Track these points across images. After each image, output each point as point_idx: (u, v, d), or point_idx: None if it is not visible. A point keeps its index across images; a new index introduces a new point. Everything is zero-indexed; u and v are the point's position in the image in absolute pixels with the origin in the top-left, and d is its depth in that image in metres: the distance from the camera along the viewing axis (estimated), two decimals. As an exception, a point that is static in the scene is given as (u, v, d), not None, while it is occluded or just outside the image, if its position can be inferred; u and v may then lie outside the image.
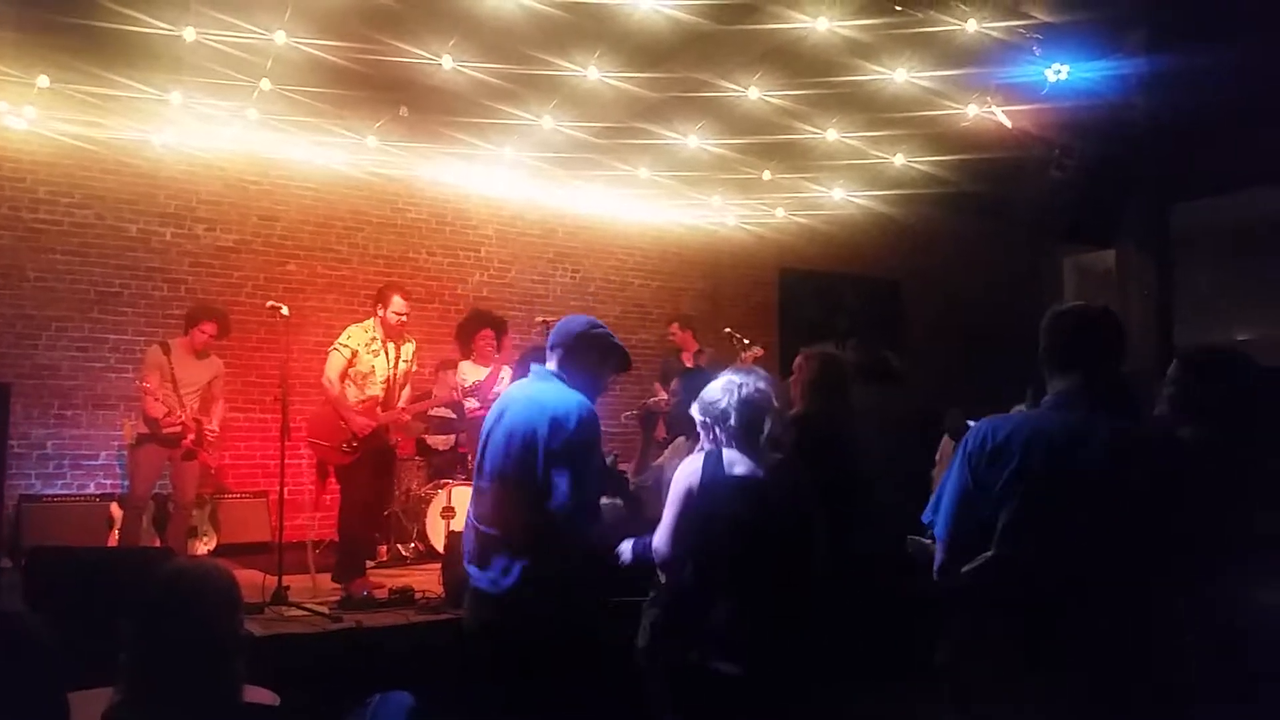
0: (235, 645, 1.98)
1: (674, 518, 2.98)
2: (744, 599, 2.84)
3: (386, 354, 6.00)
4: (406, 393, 6.25)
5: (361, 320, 6.19)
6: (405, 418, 6.10)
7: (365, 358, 5.95)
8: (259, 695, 2.46)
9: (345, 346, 5.95)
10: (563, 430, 3.04)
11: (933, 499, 2.55)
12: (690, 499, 2.93)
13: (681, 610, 2.93)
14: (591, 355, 3.27)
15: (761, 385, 2.99)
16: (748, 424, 2.93)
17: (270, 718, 2.22)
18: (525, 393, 3.28)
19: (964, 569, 1.96)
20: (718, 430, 2.98)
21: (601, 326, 3.34)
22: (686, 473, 2.99)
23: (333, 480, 6.40)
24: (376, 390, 5.95)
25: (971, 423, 4.09)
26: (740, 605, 2.83)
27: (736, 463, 2.94)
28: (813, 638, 2.82)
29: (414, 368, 6.19)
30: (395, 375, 6.02)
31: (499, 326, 7.56)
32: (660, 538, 3.02)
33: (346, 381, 5.93)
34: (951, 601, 2.02)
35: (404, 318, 6.01)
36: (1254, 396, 2.91)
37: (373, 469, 6.02)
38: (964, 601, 1.93)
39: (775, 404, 2.98)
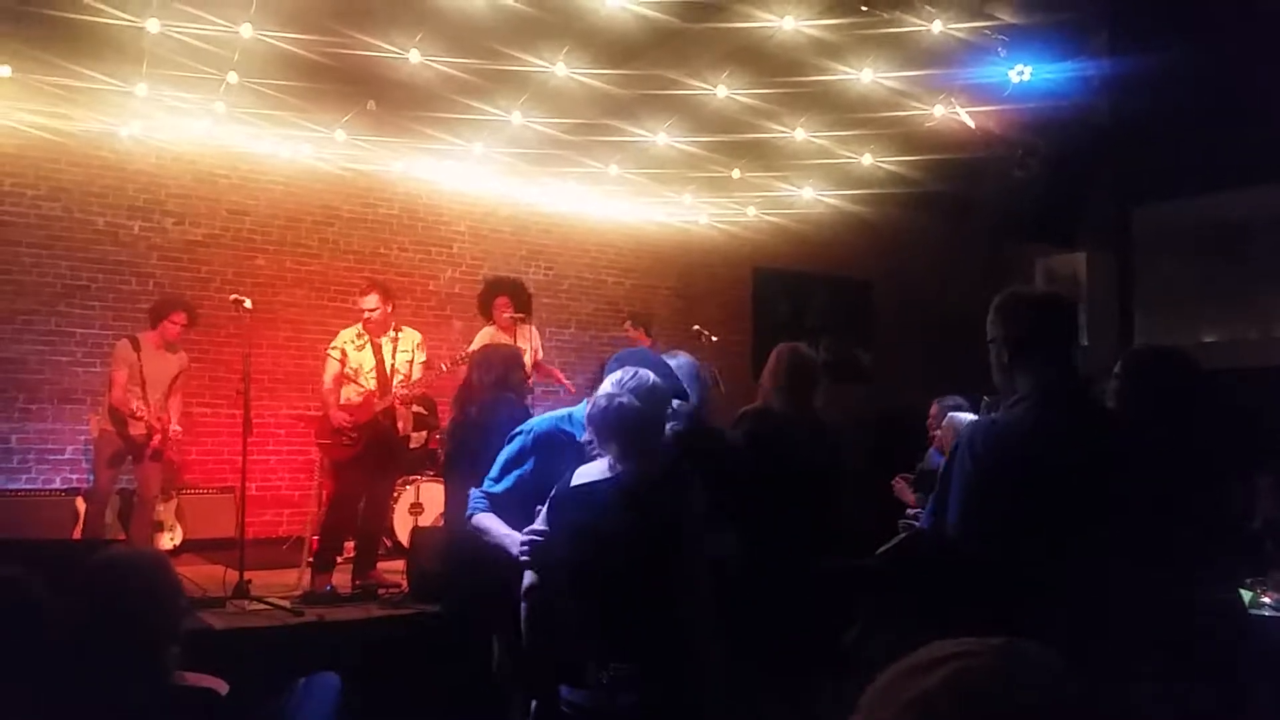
0: (167, 633, 1.99)
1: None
2: (600, 616, 2.61)
3: (376, 349, 6.07)
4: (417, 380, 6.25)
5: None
6: (394, 402, 6.05)
7: (354, 356, 6.07)
8: (206, 682, 2.46)
9: (335, 349, 6.10)
10: None
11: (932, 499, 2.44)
12: (543, 516, 2.80)
13: (541, 634, 2.74)
14: None
15: (626, 399, 2.66)
16: (613, 437, 2.67)
17: (208, 702, 2.22)
18: None
19: (880, 550, 1.98)
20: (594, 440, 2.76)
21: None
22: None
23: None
24: (369, 384, 6.03)
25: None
26: (596, 624, 2.61)
27: (592, 471, 2.74)
28: (695, 650, 2.58)
29: (418, 357, 6.17)
30: (390, 368, 6.06)
31: (513, 291, 7.13)
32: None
33: (345, 383, 6.04)
34: (863, 582, 2.04)
35: (372, 313, 6.05)
36: (1194, 393, 2.97)
37: (372, 465, 6.03)
38: (879, 582, 1.96)
39: (649, 415, 2.68)
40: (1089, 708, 0.78)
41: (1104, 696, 0.79)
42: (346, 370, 6.04)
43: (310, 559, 5.98)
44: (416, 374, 6.12)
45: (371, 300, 6.06)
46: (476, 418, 4.33)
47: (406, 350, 6.14)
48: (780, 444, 3.78)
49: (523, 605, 2.76)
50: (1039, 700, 0.77)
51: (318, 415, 6.43)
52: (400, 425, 6.27)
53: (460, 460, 4.36)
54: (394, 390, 6.01)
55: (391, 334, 6.15)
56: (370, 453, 5.96)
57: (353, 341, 6.10)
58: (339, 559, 6.57)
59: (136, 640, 1.92)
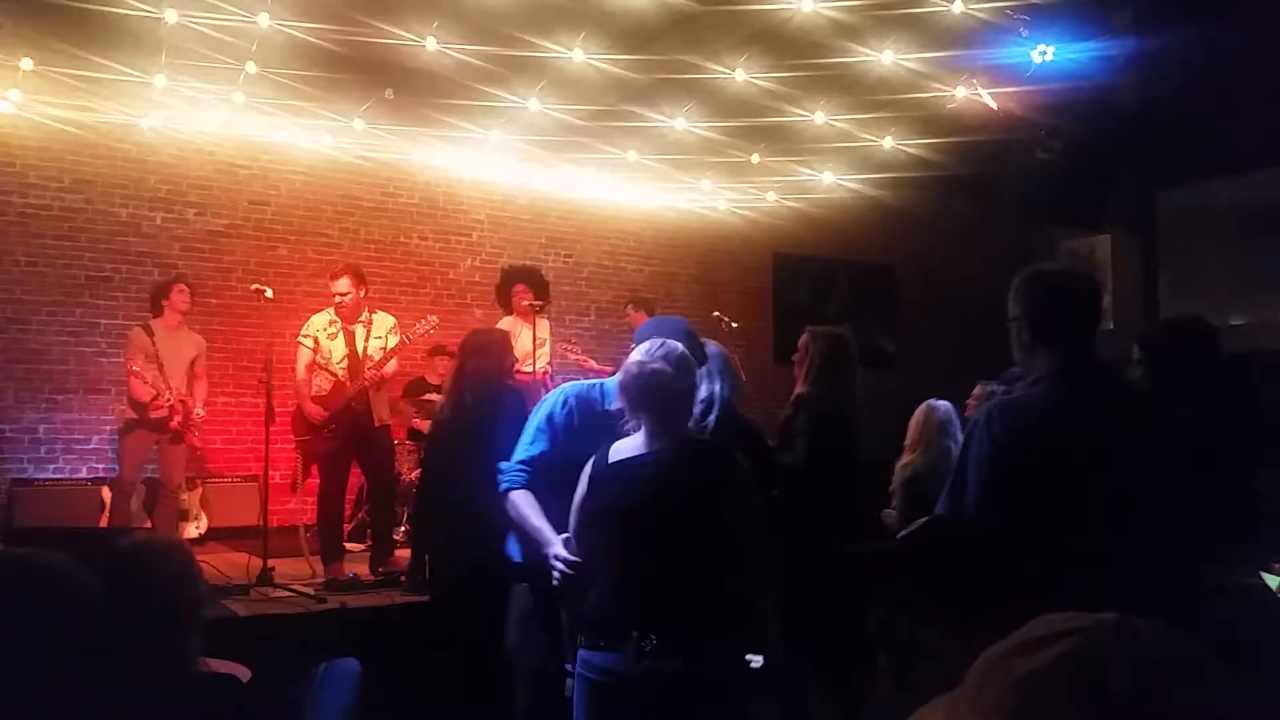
0: (189, 619, 2.00)
1: (574, 512, 2.81)
2: (642, 588, 2.61)
3: (349, 336, 5.96)
4: (391, 366, 6.09)
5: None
6: (364, 384, 5.86)
7: (325, 344, 5.94)
8: (229, 670, 2.47)
9: (308, 337, 5.96)
10: None
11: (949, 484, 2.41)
12: (582, 493, 2.78)
13: (553, 609, 2.85)
14: None
15: (658, 365, 2.62)
16: (645, 404, 2.64)
17: (231, 689, 2.23)
18: None
19: (900, 534, 1.96)
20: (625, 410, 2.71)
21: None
22: (587, 466, 2.80)
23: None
24: (339, 372, 5.91)
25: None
26: (638, 595, 2.61)
27: (628, 446, 2.70)
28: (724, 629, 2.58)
29: (389, 343, 6.02)
30: (362, 354, 5.94)
31: (532, 279, 7.28)
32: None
33: (316, 372, 5.92)
34: (885, 567, 2.02)
35: (344, 298, 5.90)
36: (1215, 361, 2.94)
37: (354, 453, 5.99)
38: (901, 566, 1.94)
39: (680, 382, 2.63)
40: (1206, 694, 0.73)
41: (1221, 680, 0.74)
42: (318, 359, 5.91)
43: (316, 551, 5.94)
44: (376, 355, 5.92)
45: (343, 284, 5.90)
46: (475, 405, 4.26)
47: (380, 336, 6.01)
48: (837, 439, 3.74)
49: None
50: (1154, 684, 0.73)
51: (291, 410, 6.20)
52: (376, 416, 5.99)
53: (456, 448, 4.28)
54: (365, 373, 5.85)
55: (365, 317, 6.03)
56: (352, 441, 5.89)
57: (325, 329, 5.95)
58: (360, 547, 6.62)
59: (158, 628, 1.93)
